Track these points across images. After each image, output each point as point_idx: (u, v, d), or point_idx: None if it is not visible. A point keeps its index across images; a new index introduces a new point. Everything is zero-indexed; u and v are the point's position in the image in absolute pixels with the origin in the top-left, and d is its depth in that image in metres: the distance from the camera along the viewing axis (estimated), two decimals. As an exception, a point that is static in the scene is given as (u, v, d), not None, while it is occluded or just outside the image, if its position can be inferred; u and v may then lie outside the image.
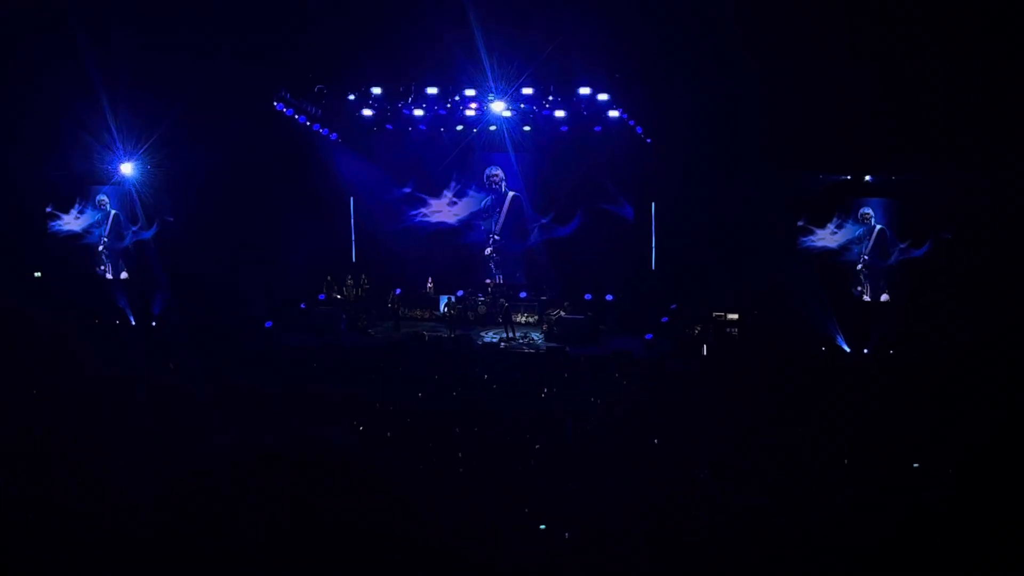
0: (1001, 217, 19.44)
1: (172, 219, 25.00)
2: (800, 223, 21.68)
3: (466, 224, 26.47)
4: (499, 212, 26.21)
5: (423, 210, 26.57)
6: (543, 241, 25.87)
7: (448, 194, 26.33)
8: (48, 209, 25.50)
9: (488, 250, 26.21)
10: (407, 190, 26.56)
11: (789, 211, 21.87)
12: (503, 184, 26.15)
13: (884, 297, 21.52)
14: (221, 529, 11.21)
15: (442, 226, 26.56)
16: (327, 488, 12.40)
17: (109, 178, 25.09)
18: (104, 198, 25.45)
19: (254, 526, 11.27)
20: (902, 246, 21.14)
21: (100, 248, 25.63)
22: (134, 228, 25.40)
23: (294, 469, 13.16)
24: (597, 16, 20.29)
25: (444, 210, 26.46)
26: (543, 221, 25.76)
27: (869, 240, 21.50)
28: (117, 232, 25.56)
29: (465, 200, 26.40)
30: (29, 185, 25.12)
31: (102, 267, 25.67)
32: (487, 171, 26.15)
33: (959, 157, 19.62)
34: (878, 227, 21.40)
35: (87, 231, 25.60)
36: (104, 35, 21.95)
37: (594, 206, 25.12)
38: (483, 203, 26.25)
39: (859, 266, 21.50)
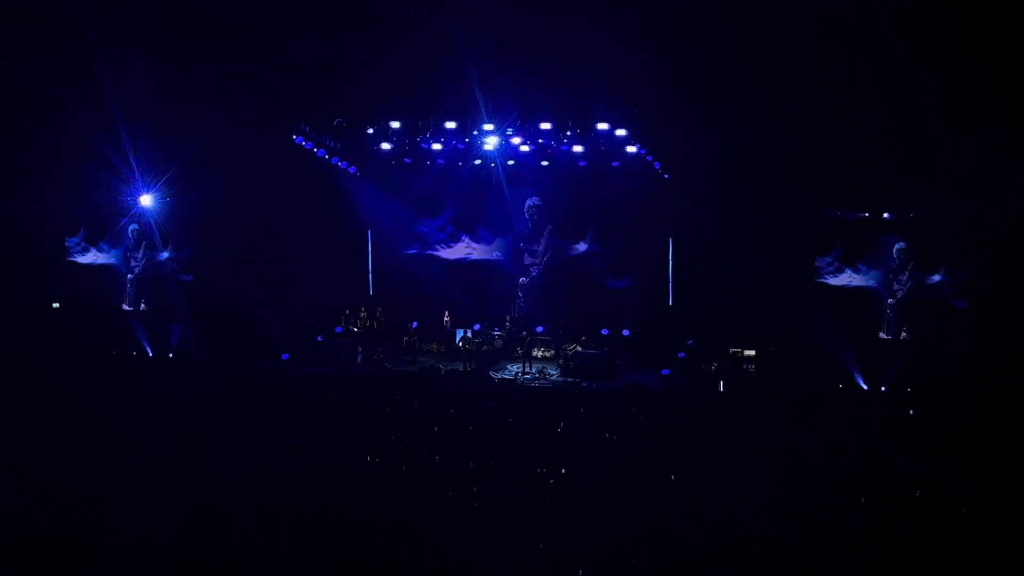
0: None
1: (190, 250, 25.23)
2: (818, 259, 21.65)
3: (488, 258, 26.55)
4: (538, 244, 26.26)
5: (445, 243, 26.70)
6: (562, 275, 25.92)
7: (481, 229, 26.50)
8: (74, 240, 25.73)
9: (523, 280, 26.22)
10: (436, 222, 26.69)
11: (807, 247, 21.87)
12: (536, 218, 26.22)
13: (903, 335, 21.40)
14: (230, 560, 11.18)
15: (461, 260, 26.63)
16: (339, 520, 12.35)
17: (128, 210, 25.35)
18: (129, 227, 25.68)
19: (264, 558, 11.23)
20: (929, 283, 21.06)
21: (129, 277, 25.82)
22: (152, 259, 25.61)
23: (305, 500, 13.12)
24: (615, 53, 20.44)
25: (470, 244, 26.57)
26: (571, 254, 25.81)
27: (892, 277, 21.43)
28: (136, 263, 25.74)
29: (488, 233, 26.53)
30: (51, 216, 25.37)
31: (123, 298, 25.84)
32: (528, 202, 26.20)
33: (986, 192, 19.58)
34: (905, 263, 21.33)
35: (106, 262, 25.81)
36: (123, 63, 22.23)
37: (612, 240, 25.17)
38: (515, 235, 26.32)
39: (890, 300, 21.43)
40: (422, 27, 20.72)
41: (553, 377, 22.69)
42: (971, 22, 18.49)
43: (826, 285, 21.72)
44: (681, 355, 22.82)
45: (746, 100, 20.89)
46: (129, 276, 25.86)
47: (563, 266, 25.86)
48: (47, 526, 12.16)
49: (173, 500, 13.14)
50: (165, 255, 25.48)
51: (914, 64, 19.35)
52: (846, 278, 21.69)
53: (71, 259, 25.76)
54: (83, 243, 25.83)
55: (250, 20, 21.41)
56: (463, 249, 26.57)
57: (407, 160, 25.54)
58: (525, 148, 23.49)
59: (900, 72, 19.72)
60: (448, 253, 26.69)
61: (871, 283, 21.57)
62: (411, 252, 26.88)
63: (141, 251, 25.74)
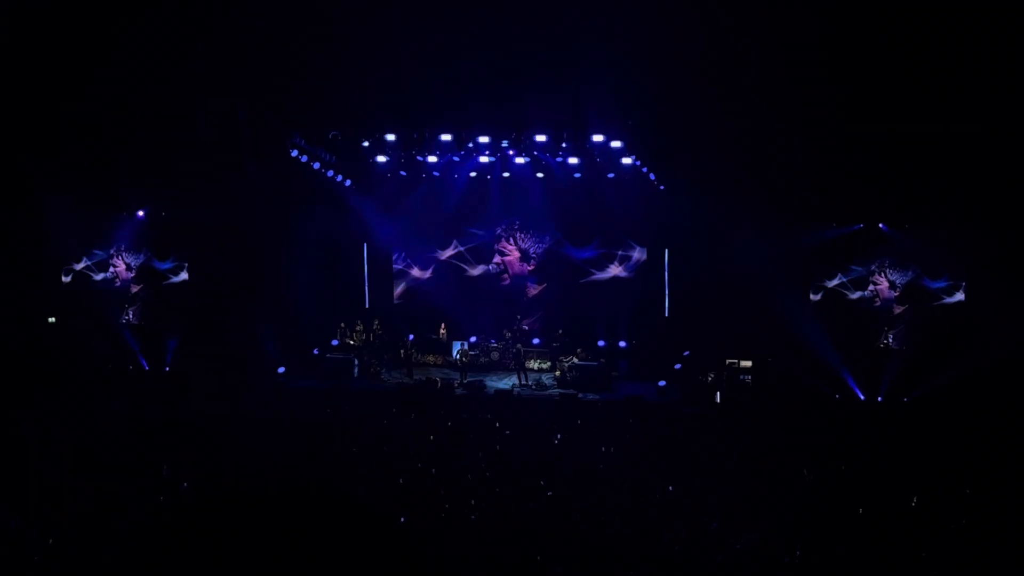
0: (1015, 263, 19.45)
1: (187, 264, 25.21)
2: (815, 270, 21.69)
3: (484, 271, 26.57)
4: (530, 259, 26.34)
5: (437, 256, 26.73)
6: (558, 287, 25.93)
7: (463, 243, 26.52)
8: (72, 255, 25.72)
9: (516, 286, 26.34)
10: (425, 236, 26.74)
11: (804, 258, 21.90)
12: (532, 231, 26.27)
13: (897, 345, 21.42)
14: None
15: (459, 273, 26.65)
16: (333, 534, 12.28)
17: (124, 224, 25.34)
18: (125, 242, 25.66)
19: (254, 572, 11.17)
20: (926, 293, 21.12)
21: (124, 290, 25.78)
22: (149, 273, 25.60)
23: (299, 514, 13.06)
24: (611, 66, 20.44)
25: (461, 257, 26.61)
26: (562, 267, 25.84)
27: (888, 287, 21.47)
28: (132, 278, 25.74)
29: (483, 246, 26.57)
30: (47, 231, 25.32)
31: (118, 313, 25.79)
32: (515, 220, 26.36)
33: (977, 205, 19.65)
34: (901, 273, 21.39)
35: (102, 276, 25.79)
36: (119, 74, 22.19)
37: (607, 252, 25.21)
38: (505, 250, 26.38)
39: (886, 311, 21.44)
40: (418, 40, 20.73)
41: (550, 389, 22.66)
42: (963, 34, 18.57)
43: (822, 296, 21.75)
44: (677, 366, 22.79)
45: (742, 113, 20.90)
46: (122, 289, 25.82)
47: (559, 278, 25.87)
48: (42, 535, 12.13)
49: (165, 511, 13.09)
50: (161, 269, 25.46)
51: (910, 76, 19.40)
52: (842, 289, 21.72)
53: (67, 274, 25.73)
54: (80, 258, 25.82)
55: (246, 36, 21.42)
56: (464, 261, 26.62)
57: (403, 173, 25.49)
58: (521, 160, 23.50)
59: (895, 85, 19.77)
60: (445, 263, 26.77)
61: (867, 294, 21.60)
62: (407, 264, 26.92)
63: (137, 265, 25.72)
